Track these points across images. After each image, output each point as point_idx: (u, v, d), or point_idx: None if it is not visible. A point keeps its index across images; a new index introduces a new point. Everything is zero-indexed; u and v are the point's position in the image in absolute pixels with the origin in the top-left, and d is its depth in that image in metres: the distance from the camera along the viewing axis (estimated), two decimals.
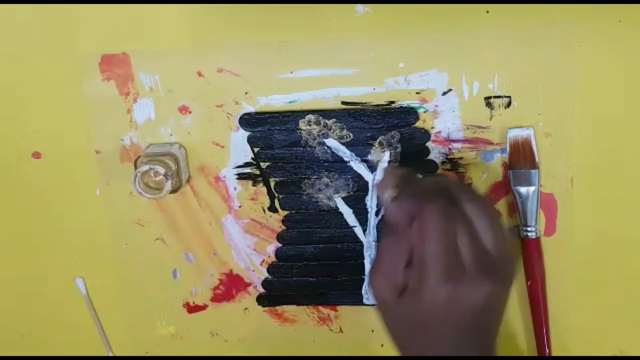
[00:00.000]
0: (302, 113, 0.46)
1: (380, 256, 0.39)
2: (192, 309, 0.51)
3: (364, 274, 0.49)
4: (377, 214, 0.47)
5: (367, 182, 0.47)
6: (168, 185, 0.44)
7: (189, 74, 0.46)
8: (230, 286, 0.50)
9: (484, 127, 0.45)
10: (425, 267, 0.37)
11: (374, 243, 0.48)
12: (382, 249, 0.39)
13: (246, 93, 0.46)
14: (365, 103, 0.46)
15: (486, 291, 0.37)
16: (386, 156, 0.46)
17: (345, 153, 0.46)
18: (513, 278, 0.40)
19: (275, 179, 0.48)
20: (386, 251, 0.39)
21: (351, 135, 0.46)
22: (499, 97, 0.45)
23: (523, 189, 0.45)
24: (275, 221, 0.48)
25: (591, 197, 0.46)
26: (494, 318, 0.39)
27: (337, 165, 0.47)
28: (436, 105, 0.45)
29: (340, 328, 0.50)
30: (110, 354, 0.52)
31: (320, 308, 0.50)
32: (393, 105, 0.45)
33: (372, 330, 0.50)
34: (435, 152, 0.46)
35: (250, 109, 0.47)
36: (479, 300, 0.37)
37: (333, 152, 0.47)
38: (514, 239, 0.45)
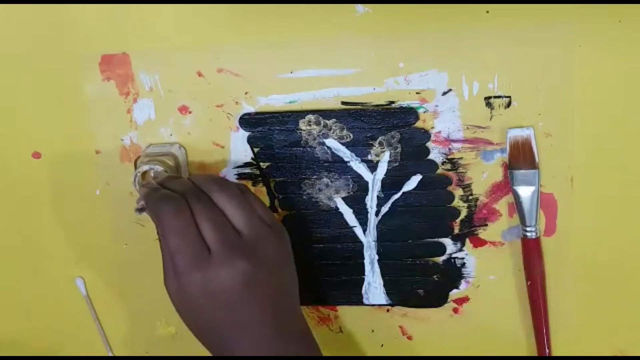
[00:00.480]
0: (302, 113, 0.46)
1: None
2: None
3: (364, 274, 0.49)
4: (377, 214, 0.47)
5: (367, 182, 0.47)
6: None
7: (189, 74, 0.46)
8: None
9: (484, 127, 0.45)
10: (174, 265, 0.39)
11: (374, 243, 0.48)
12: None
13: (246, 93, 0.46)
14: (365, 103, 0.46)
15: (234, 270, 0.38)
16: (386, 156, 0.46)
17: (345, 153, 0.46)
18: (269, 253, 0.40)
19: (275, 179, 0.48)
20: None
21: (351, 135, 0.46)
22: (499, 97, 0.45)
23: (523, 189, 0.45)
24: None
25: (591, 197, 0.46)
26: (264, 295, 0.40)
27: (337, 165, 0.47)
28: (436, 105, 0.45)
29: (340, 328, 0.50)
30: (110, 354, 0.53)
31: (320, 308, 0.50)
32: (393, 105, 0.45)
33: (372, 330, 0.50)
34: (435, 152, 0.46)
35: (250, 109, 0.47)
36: (232, 280, 0.38)
37: (333, 152, 0.47)
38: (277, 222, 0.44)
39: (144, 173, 0.44)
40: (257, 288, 0.39)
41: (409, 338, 0.50)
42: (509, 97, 0.44)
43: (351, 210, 0.47)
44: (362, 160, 0.46)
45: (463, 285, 0.48)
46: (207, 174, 0.45)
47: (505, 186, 0.46)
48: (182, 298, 0.40)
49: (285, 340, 0.40)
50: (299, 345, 0.41)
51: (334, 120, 0.46)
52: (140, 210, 0.42)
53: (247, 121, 0.46)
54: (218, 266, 0.38)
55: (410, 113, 0.45)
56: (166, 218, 0.39)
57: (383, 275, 0.48)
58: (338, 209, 0.48)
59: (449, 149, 0.46)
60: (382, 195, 0.47)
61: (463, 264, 0.48)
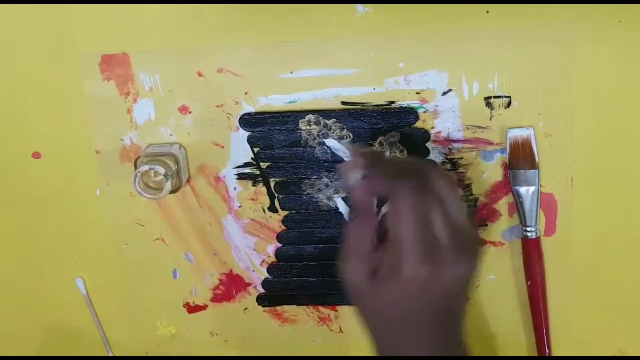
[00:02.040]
0: (302, 113, 0.46)
1: (348, 240, 0.39)
2: (192, 309, 0.51)
3: None
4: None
5: None
6: (168, 185, 0.44)
7: (189, 74, 0.46)
8: (230, 286, 0.50)
9: (483, 127, 0.45)
10: (401, 250, 0.36)
11: None
12: (349, 233, 0.39)
13: (246, 93, 0.46)
14: (365, 103, 0.46)
15: (464, 269, 0.37)
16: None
17: (345, 153, 0.46)
18: (481, 251, 0.40)
19: (275, 179, 0.48)
20: (353, 234, 0.39)
21: (351, 135, 0.46)
22: (498, 97, 0.45)
23: (523, 189, 0.45)
24: (275, 221, 0.48)
25: (591, 197, 0.46)
26: (463, 295, 0.39)
27: (337, 165, 0.47)
28: (436, 105, 0.45)
29: (340, 328, 0.50)
30: (110, 354, 0.53)
31: (320, 308, 0.50)
32: (393, 105, 0.45)
33: None
34: (435, 152, 0.46)
35: (250, 109, 0.47)
36: (457, 279, 0.37)
37: (333, 152, 0.47)
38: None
39: (144, 173, 0.44)
40: (464, 288, 0.38)
41: None
42: (509, 97, 0.44)
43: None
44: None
45: None
46: (423, 160, 0.43)
47: (505, 186, 0.46)
48: (388, 283, 0.37)
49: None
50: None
51: (334, 120, 0.46)
52: (362, 177, 0.38)
53: (247, 121, 0.46)
54: (447, 263, 0.36)
55: (410, 113, 0.45)
56: (407, 200, 0.36)
57: None
58: (338, 209, 0.48)
59: (449, 149, 0.46)
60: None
61: None
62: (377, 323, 0.39)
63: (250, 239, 0.49)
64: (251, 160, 0.47)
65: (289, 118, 0.46)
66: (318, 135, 0.46)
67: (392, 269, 0.37)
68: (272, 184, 0.48)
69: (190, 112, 0.47)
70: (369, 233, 0.38)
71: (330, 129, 0.46)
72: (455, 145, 0.46)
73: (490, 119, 0.45)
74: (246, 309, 0.51)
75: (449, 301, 0.37)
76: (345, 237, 0.39)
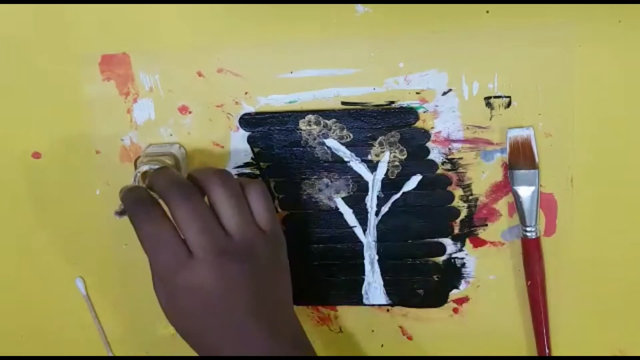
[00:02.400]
0: (302, 113, 0.46)
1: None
2: None
3: (364, 274, 0.49)
4: (377, 214, 0.47)
5: (367, 182, 0.47)
6: None
7: (189, 74, 0.46)
8: None
9: (484, 127, 0.45)
10: (154, 270, 0.39)
11: (374, 243, 0.48)
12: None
13: (246, 93, 0.46)
14: (365, 103, 0.46)
15: (222, 272, 0.38)
16: (386, 156, 0.46)
17: (345, 153, 0.46)
18: (259, 255, 0.40)
19: (275, 179, 0.48)
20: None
21: (351, 135, 0.46)
22: (499, 97, 0.45)
23: (523, 189, 0.45)
24: None
25: (591, 197, 0.46)
26: (251, 300, 0.39)
27: (337, 165, 0.47)
28: (436, 105, 0.45)
29: (340, 328, 0.50)
30: (110, 354, 0.53)
31: (321, 308, 0.50)
32: (393, 105, 0.45)
33: (372, 330, 0.50)
34: (435, 152, 0.46)
35: (250, 109, 0.47)
36: (215, 281, 0.38)
37: (333, 152, 0.47)
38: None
39: (144, 173, 0.44)
40: (242, 292, 0.39)
41: (409, 338, 0.50)
42: (509, 97, 0.44)
43: (351, 210, 0.47)
44: (362, 160, 0.46)
45: (463, 285, 0.48)
46: (211, 168, 0.44)
47: (505, 186, 0.46)
48: (168, 303, 0.40)
49: (276, 346, 0.39)
50: (291, 349, 0.40)
51: (334, 120, 0.46)
52: (119, 213, 0.41)
53: (247, 121, 0.46)
54: (198, 268, 0.38)
55: (410, 113, 0.45)
56: (139, 224, 0.39)
57: (383, 275, 0.48)
58: (338, 209, 0.48)
59: (449, 149, 0.46)
60: (382, 195, 0.47)
61: (463, 264, 0.48)
62: (185, 336, 0.41)
63: None
64: (251, 160, 0.47)
65: (289, 118, 0.46)
66: (318, 136, 0.46)
67: (158, 286, 0.41)
68: (272, 184, 0.48)
69: (190, 112, 0.47)
70: None
71: (330, 129, 0.46)
72: (455, 145, 0.46)
73: (491, 119, 0.45)
74: None
75: (234, 302, 0.39)
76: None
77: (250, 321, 0.39)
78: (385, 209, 0.47)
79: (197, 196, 0.39)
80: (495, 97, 0.45)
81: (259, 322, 0.39)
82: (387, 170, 0.46)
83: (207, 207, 0.39)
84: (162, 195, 0.40)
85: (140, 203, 0.40)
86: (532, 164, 0.45)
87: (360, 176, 0.47)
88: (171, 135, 0.47)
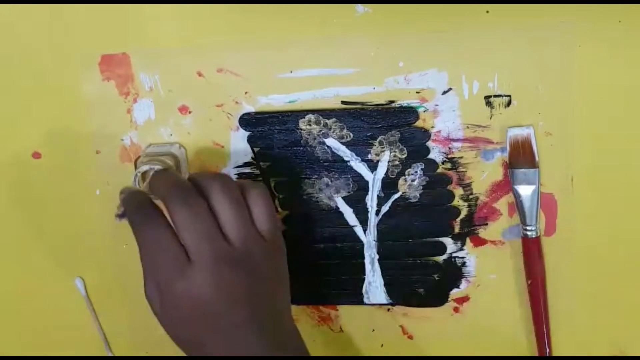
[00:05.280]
0: (302, 113, 0.46)
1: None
2: None
3: (364, 274, 0.49)
4: (377, 213, 0.47)
5: (367, 182, 0.47)
6: None
7: (189, 74, 0.46)
8: None
9: (484, 126, 0.45)
10: (152, 275, 0.39)
11: (374, 242, 0.48)
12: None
13: (246, 93, 0.46)
14: (365, 102, 0.46)
15: (219, 279, 0.37)
16: (386, 155, 0.46)
17: (345, 153, 0.46)
18: (268, 272, 0.40)
19: (275, 178, 0.48)
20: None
21: (351, 134, 0.46)
22: (499, 96, 0.45)
23: (523, 188, 0.45)
24: None
25: (591, 197, 0.46)
26: (248, 306, 0.39)
27: (337, 165, 0.47)
28: (436, 105, 0.45)
29: (340, 327, 0.50)
30: (110, 354, 0.52)
31: (321, 307, 0.50)
32: (393, 104, 0.45)
33: (373, 330, 0.50)
34: (435, 152, 0.46)
35: (250, 108, 0.47)
36: (212, 288, 0.37)
37: (333, 152, 0.47)
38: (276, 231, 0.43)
39: (144, 173, 0.44)
40: (241, 301, 0.38)
41: (410, 337, 0.50)
42: (509, 96, 0.44)
43: (351, 210, 0.47)
44: (362, 160, 0.46)
45: (463, 284, 0.48)
46: (211, 172, 0.44)
47: (506, 185, 0.46)
48: (163, 309, 0.39)
49: (275, 356, 0.39)
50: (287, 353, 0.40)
51: (334, 119, 0.46)
52: (120, 216, 0.41)
53: (247, 121, 0.46)
54: (197, 275, 0.37)
55: (410, 112, 0.45)
56: (138, 229, 0.39)
57: (383, 274, 0.48)
58: (338, 208, 0.48)
59: (449, 148, 0.46)
60: (382, 195, 0.47)
61: (463, 263, 0.48)
62: (179, 342, 0.41)
63: None
64: (251, 160, 0.48)
65: (289, 118, 0.46)
66: (318, 135, 0.46)
67: (152, 292, 0.41)
68: (272, 184, 0.48)
69: (190, 112, 0.47)
70: None
71: (330, 129, 0.46)
72: (455, 144, 0.46)
73: (491, 118, 0.45)
74: None
75: (224, 307, 0.38)
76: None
77: (248, 331, 0.38)
78: (385, 208, 0.47)
79: (197, 200, 0.38)
80: (496, 96, 0.45)
81: (257, 332, 0.38)
82: (387, 169, 0.46)
83: (207, 212, 0.38)
84: (162, 199, 0.39)
85: (140, 208, 0.39)
86: (532, 163, 0.45)
87: (360, 175, 0.47)
88: (171, 135, 0.47)
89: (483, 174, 0.46)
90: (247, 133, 0.47)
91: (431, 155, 0.46)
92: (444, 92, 0.45)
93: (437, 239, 0.47)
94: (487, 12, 0.43)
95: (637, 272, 0.47)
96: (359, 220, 0.48)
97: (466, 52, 0.44)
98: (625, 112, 0.44)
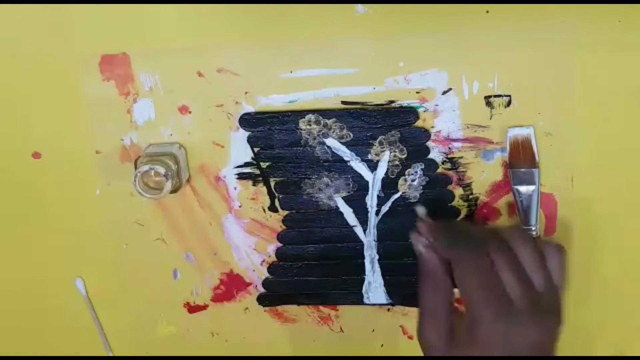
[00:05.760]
0: (302, 113, 0.46)
1: (422, 308, 0.40)
2: (193, 308, 0.51)
3: (364, 274, 0.49)
4: (377, 213, 0.47)
5: (367, 182, 0.47)
6: (168, 185, 0.44)
7: (189, 74, 0.46)
8: (230, 286, 0.50)
9: (484, 126, 0.45)
10: (474, 310, 0.37)
11: (374, 242, 0.48)
12: (422, 300, 0.40)
13: (246, 93, 0.46)
14: (365, 102, 0.46)
15: (539, 329, 0.37)
16: (386, 155, 0.46)
17: (345, 153, 0.46)
18: (563, 317, 0.39)
19: (275, 178, 0.48)
20: (427, 301, 0.40)
21: (351, 134, 0.46)
22: (499, 96, 0.45)
23: (523, 188, 0.45)
24: (276, 221, 0.48)
25: (591, 197, 0.46)
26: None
27: (337, 164, 0.47)
28: (436, 105, 0.45)
29: (340, 328, 0.50)
30: (110, 354, 0.52)
31: (321, 308, 0.50)
32: (393, 104, 0.45)
33: (373, 330, 0.50)
34: (435, 152, 0.46)
35: (250, 108, 0.47)
36: (533, 338, 0.37)
37: (333, 152, 0.47)
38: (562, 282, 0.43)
39: (144, 173, 0.44)
40: (548, 351, 0.38)
41: (410, 337, 0.50)
42: (509, 96, 0.45)
43: (351, 210, 0.47)
44: (362, 160, 0.46)
45: None
46: (512, 226, 0.44)
47: (506, 185, 0.46)
48: (465, 344, 0.38)
49: None
50: None
51: (334, 119, 0.46)
52: (427, 246, 0.41)
53: (247, 121, 0.46)
54: (524, 321, 0.37)
55: (410, 112, 0.45)
56: (465, 259, 0.38)
57: (384, 274, 0.48)
58: (338, 208, 0.48)
59: (449, 148, 0.46)
60: (382, 195, 0.47)
61: None
62: None
63: (250, 239, 0.49)
64: (251, 160, 0.47)
65: (289, 118, 0.46)
66: (318, 135, 0.46)
67: (468, 331, 0.37)
68: (272, 184, 0.48)
69: (190, 112, 0.47)
70: (442, 298, 0.40)
71: (330, 129, 0.46)
72: (455, 144, 0.46)
73: (491, 118, 0.45)
74: (247, 308, 0.51)
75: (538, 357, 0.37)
76: (420, 305, 0.40)
77: None
78: (385, 208, 0.47)
79: (509, 249, 0.39)
80: (496, 96, 0.45)
81: None
82: (387, 169, 0.46)
83: (520, 263, 0.39)
84: (484, 238, 0.40)
85: (470, 249, 0.39)
86: (532, 163, 0.45)
87: (360, 175, 0.47)
88: (171, 135, 0.47)
89: (483, 174, 0.46)
90: (247, 133, 0.47)
91: (431, 155, 0.46)
92: (444, 92, 0.45)
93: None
94: (487, 12, 0.43)
95: (637, 273, 0.47)
96: (359, 220, 0.48)
97: (466, 52, 0.44)
98: (625, 112, 0.44)
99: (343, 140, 0.46)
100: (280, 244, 0.49)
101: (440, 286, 0.40)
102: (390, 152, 0.46)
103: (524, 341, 0.37)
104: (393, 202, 0.47)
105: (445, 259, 0.40)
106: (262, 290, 0.50)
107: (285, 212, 0.48)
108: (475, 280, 0.38)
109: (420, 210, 0.44)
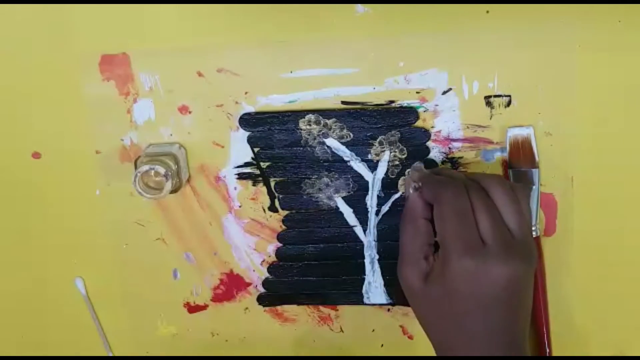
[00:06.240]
0: (302, 113, 0.46)
1: (402, 248, 0.42)
2: (193, 308, 0.51)
3: (364, 274, 0.49)
4: (377, 213, 0.47)
5: (367, 182, 0.47)
6: (168, 185, 0.44)
7: (189, 74, 0.46)
8: (230, 286, 0.50)
9: (484, 126, 0.45)
10: (446, 247, 0.39)
11: (374, 242, 0.48)
12: (403, 241, 0.42)
13: (246, 93, 0.46)
14: (365, 102, 0.46)
15: (508, 270, 0.38)
16: (386, 155, 0.46)
17: (345, 152, 0.46)
18: (535, 261, 0.40)
19: (275, 178, 0.48)
20: (406, 241, 0.41)
21: (351, 134, 0.46)
22: (499, 96, 0.45)
23: None
24: (276, 221, 0.48)
25: (591, 197, 0.46)
26: (519, 303, 0.39)
27: (337, 164, 0.47)
28: (436, 105, 0.45)
29: (340, 328, 0.50)
30: (110, 354, 0.52)
31: (321, 308, 0.50)
32: (393, 104, 0.45)
33: (373, 330, 0.50)
34: (435, 152, 0.46)
35: (250, 108, 0.47)
36: (501, 279, 0.38)
37: (333, 152, 0.47)
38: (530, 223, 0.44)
39: (144, 173, 0.44)
40: (517, 293, 0.39)
41: (410, 337, 0.50)
42: (509, 96, 0.45)
43: (351, 210, 0.47)
44: (362, 160, 0.46)
45: None
46: (492, 174, 0.44)
47: None
48: (437, 281, 0.39)
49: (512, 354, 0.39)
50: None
51: (334, 119, 0.46)
52: (415, 189, 0.42)
53: (247, 121, 0.46)
54: (491, 260, 0.38)
55: (410, 112, 0.45)
56: (446, 199, 0.39)
57: (384, 274, 0.48)
58: (338, 208, 0.48)
59: (449, 148, 0.46)
60: (382, 195, 0.47)
61: None
62: (431, 321, 0.41)
63: (250, 239, 0.49)
64: (251, 160, 0.48)
65: (289, 118, 0.46)
66: (318, 135, 0.46)
67: (440, 268, 0.39)
68: (272, 184, 0.48)
69: (190, 112, 0.47)
70: (419, 240, 0.41)
71: (330, 129, 0.46)
72: (455, 144, 0.46)
73: (491, 118, 0.45)
74: (247, 308, 0.51)
75: (500, 302, 0.38)
76: (400, 245, 0.42)
77: (507, 325, 0.39)
78: (385, 208, 0.47)
79: (485, 192, 0.40)
80: (496, 96, 0.45)
81: (514, 330, 0.39)
82: (387, 169, 0.46)
83: (495, 205, 0.40)
84: (466, 184, 0.40)
85: (450, 182, 0.40)
86: (532, 163, 0.45)
87: (360, 175, 0.47)
88: (171, 135, 0.47)
89: None
90: (247, 133, 0.47)
91: (431, 155, 0.46)
92: (444, 92, 0.45)
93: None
94: (487, 12, 0.43)
95: (637, 273, 0.47)
96: (359, 220, 0.48)
97: (466, 52, 0.44)
98: (625, 112, 0.44)
99: (343, 140, 0.46)
100: (280, 244, 0.49)
101: (421, 229, 0.41)
102: (390, 152, 0.46)
103: (492, 279, 0.38)
104: (393, 202, 0.47)
105: (429, 205, 0.41)
106: (262, 290, 0.50)
107: (285, 212, 0.48)
108: (452, 219, 0.39)
109: (418, 164, 0.45)
